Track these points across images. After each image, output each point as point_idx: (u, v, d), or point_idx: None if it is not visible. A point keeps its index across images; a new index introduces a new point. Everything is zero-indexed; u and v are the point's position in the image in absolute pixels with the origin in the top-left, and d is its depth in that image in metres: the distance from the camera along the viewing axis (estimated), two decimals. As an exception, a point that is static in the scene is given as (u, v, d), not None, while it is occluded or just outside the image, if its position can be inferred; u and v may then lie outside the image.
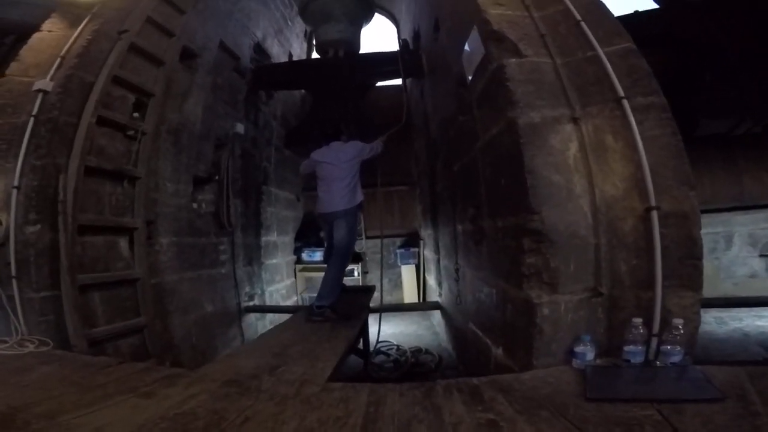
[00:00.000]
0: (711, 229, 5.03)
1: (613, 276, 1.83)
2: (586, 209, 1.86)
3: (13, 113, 2.73)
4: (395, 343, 4.38)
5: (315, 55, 6.33)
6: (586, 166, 1.89)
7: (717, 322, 4.02)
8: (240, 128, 4.54)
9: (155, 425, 1.30)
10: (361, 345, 3.56)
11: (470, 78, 2.50)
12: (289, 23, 6.35)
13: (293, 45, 6.58)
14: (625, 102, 1.86)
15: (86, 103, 2.75)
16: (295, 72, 5.55)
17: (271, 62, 5.50)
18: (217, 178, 4.23)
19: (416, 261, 6.54)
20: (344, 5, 5.03)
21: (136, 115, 3.14)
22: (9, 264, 2.47)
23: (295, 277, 6.57)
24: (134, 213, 3.11)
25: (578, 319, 1.82)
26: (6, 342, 2.31)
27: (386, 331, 4.45)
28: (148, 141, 3.17)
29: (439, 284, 4.72)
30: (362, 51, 5.56)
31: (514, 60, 2.03)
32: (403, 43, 5.06)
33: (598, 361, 1.74)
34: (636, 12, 4.12)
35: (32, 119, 2.62)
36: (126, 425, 1.30)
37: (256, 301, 5.00)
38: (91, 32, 2.94)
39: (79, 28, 2.98)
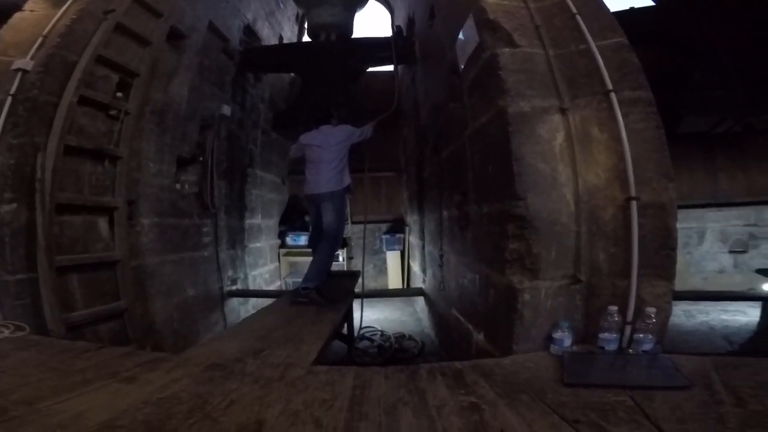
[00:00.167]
0: (686, 224, 5.20)
1: (592, 264, 1.88)
2: (569, 197, 1.90)
3: (-11, 92, 2.62)
4: (379, 328, 4.42)
5: (306, 38, 6.19)
6: (571, 156, 1.92)
7: (685, 315, 4.17)
8: (226, 110, 4.44)
9: (138, 410, 1.29)
10: (345, 330, 3.59)
11: (463, 66, 2.49)
12: (281, 6, 6.19)
13: (284, 28, 6.43)
14: (613, 95, 1.89)
15: (68, 82, 2.68)
16: (285, 55, 5.43)
17: (261, 44, 5.36)
18: (201, 159, 4.14)
19: (401, 247, 6.58)
20: (339, -12, 4.93)
21: (119, 94, 3.06)
22: (-17, 244, 2.38)
23: (279, 262, 6.54)
24: (115, 193, 3.05)
25: (557, 305, 1.87)
26: (-21, 327, 2.23)
27: (370, 316, 4.50)
28: (131, 121, 3.10)
29: (424, 270, 4.77)
30: (354, 36, 5.46)
31: (507, 50, 2.03)
32: (396, 29, 4.99)
33: (575, 348, 1.80)
34: (632, 8, 4.15)
35: (10, 98, 2.52)
36: (107, 410, 1.27)
37: (239, 286, 4.97)
38: (76, 12, 2.87)
39: (63, 8, 2.90)
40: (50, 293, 2.42)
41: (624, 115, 1.87)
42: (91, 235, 2.89)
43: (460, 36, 2.47)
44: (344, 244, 6.37)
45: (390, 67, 5.32)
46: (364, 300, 4.02)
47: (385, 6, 6.48)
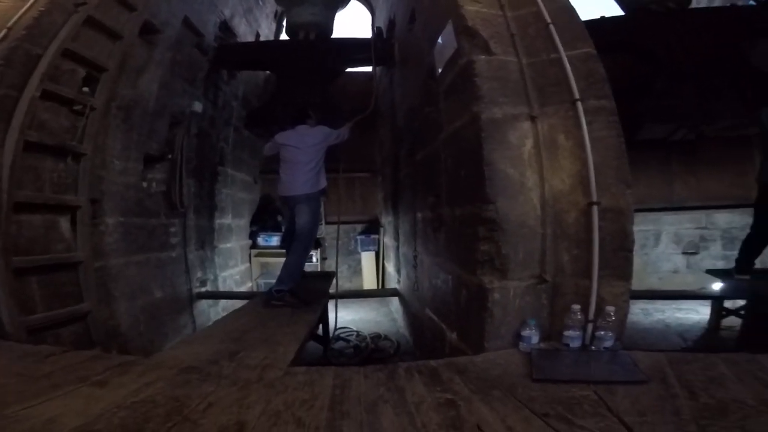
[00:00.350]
0: (643, 226, 5.51)
1: (557, 264, 1.97)
2: (535, 201, 1.99)
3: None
4: (355, 329, 4.43)
5: (284, 36, 6.12)
6: (539, 162, 2.01)
7: (643, 313, 4.40)
8: (198, 107, 4.32)
9: (113, 414, 1.26)
10: (320, 331, 3.58)
11: (440, 70, 2.55)
12: (260, 2, 6.09)
13: (261, 25, 6.32)
14: (579, 104, 1.99)
15: (31, 76, 2.57)
16: (262, 52, 5.35)
17: (236, 41, 5.26)
18: (170, 156, 4.02)
19: (376, 248, 6.61)
20: (321, -12, 4.92)
21: (86, 89, 2.95)
22: (-67, 244, 2.24)
23: (250, 262, 6.41)
24: (78, 191, 2.92)
25: (525, 304, 1.95)
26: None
27: (345, 317, 4.50)
28: (97, 116, 2.99)
29: (398, 271, 4.82)
30: (334, 36, 5.45)
31: (483, 57, 2.10)
32: (377, 30, 5.01)
33: (542, 345, 1.89)
34: (602, 17, 4.34)
35: (-34, 92, 2.39)
36: (81, 416, 1.24)
37: (209, 287, 4.85)
38: (45, 4, 2.75)
39: (32, 0, 2.77)
40: (8, 296, 2.31)
41: (588, 124, 1.97)
42: (52, 235, 2.77)
43: (439, 41, 2.52)
44: (318, 244, 6.33)
45: (368, 68, 5.35)
46: (339, 301, 4.02)
47: (366, 6, 6.49)
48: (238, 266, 5.96)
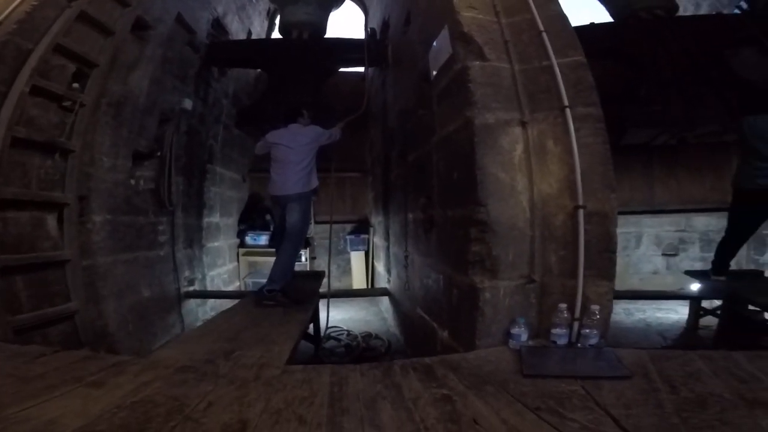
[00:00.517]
0: (625, 229, 5.66)
1: (545, 265, 2.05)
2: (525, 204, 2.07)
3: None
4: (345, 328, 4.46)
5: (275, 35, 6.10)
6: (528, 167, 2.09)
7: (625, 313, 4.54)
8: (188, 104, 4.29)
9: (113, 415, 1.25)
10: (311, 330, 3.60)
11: (434, 74, 2.59)
12: (253, 0, 6.06)
13: (254, 23, 6.30)
14: (568, 111, 2.06)
15: (20, 71, 2.54)
16: (255, 50, 5.33)
17: (228, 39, 5.23)
18: (159, 154, 3.98)
19: (366, 247, 6.64)
20: (316, -13, 4.93)
21: (75, 85, 2.91)
22: None
23: (238, 262, 6.38)
24: (65, 188, 2.89)
25: (514, 303, 2.02)
26: None
27: (336, 316, 4.52)
28: (86, 113, 2.96)
29: (388, 271, 4.86)
30: (328, 36, 5.46)
31: (477, 63, 2.15)
32: (371, 31, 5.03)
33: (531, 342, 1.95)
34: (592, 24, 4.45)
35: (-45, 86, 2.34)
36: (81, 416, 1.23)
37: (197, 286, 4.82)
38: None
39: (24, -6, 2.73)
40: None
41: (576, 130, 2.04)
42: (39, 233, 2.73)
43: (434, 45, 2.56)
44: (307, 244, 6.33)
45: (360, 68, 5.38)
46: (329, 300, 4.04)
47: (360, 6, 6.50)
48: (226, 265, 5.92)
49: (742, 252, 4.43)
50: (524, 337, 1.93)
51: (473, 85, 2.09)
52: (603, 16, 5.09)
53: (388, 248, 4.85)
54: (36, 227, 2.71)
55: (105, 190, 3.27)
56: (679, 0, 4.79)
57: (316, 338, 3.69)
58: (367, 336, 4.21)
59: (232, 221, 6.27)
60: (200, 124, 4.89)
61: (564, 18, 2.39)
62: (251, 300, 3.40)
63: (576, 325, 1.93)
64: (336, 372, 1.64)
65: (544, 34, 2.24)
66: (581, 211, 1.97)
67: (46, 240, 2.75)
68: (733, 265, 3.63)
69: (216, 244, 5.57)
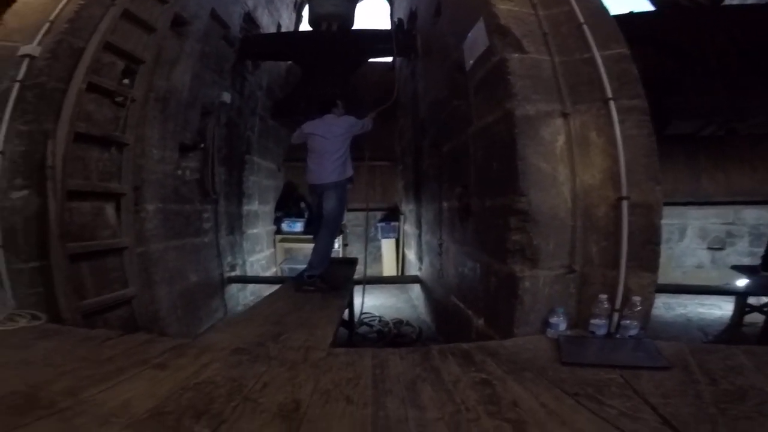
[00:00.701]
0: (668, 221, 5.42)
1: (585, 255, 2.05)
2: (566, 195, 2.06)
3: (-6, 78, 2.61)
4: (377, 314, 4.57)
5: (303, 27, 6.18)
6: (570, 158, 2.07)
7: (665, 307, 4.41)
8: (226, 97, 4.46)
9: (180, 396, 1.33)
10: (346, 316, 3.72)
11: (470, 65, 2.58)
12: None
13: (282, 15, 6.40)
14: (612, 103, 2.03)
15: (75, 68, 2.67)
16: (286, 43, 5.43)
17: (260, 32, 5.35)
18: (202, 146, 4.18)
19: (396, 235, 6.71)
20: (344, -21, 4.96)
21: (125, 81, 3.07)
22: (-5, 233, 2.38)
23: (275, 248, 6.62)
24: (121, 179, 3.07)
25: (553, 293, 2.04)
26: (-6, 317, 2.20)
27: (367, 303, 4.62)
28: (137, 108, 3.12)
29: (420, 259, 4.92)
30: (355, 27, 5.49)
31: (516, 55, 2.14)
32: (398, 21, 5.03)
33: (569, 332, 1.97)
34: (631, 12, 4.29)
35: (18, 84, 2.52)
36: (151, 397, 1.31)
37: (238, 272, 5.05)
38: None
39: (69, -7, 2.87)
40: (64, 281, 2.44)
41: (620, 122, 2.02)
42: (99, 221, 2.92)
43: (469, 36, 2.55)
44: (340, 231, 6.47)
45: (387, 58, 5.38)
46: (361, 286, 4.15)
47: (385, -2, 6.47)
48: (263, 251, 6.16)
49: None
50: (562, 326, 1.95)
51: (512, 77, 2.09)
52: (643, 5, 4.85)
53: (420, 236, 4.90)
54: (96, 216, 2.90)
55: (156, 180, 3.48)
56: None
57: (350, 323, 3.82)
58: (398, 322, 4.30)
59: (269, 209, 6.50)
60: (238, 116, 5.06)
61: (604, 10, 2.34)
62: (291, 285, 3.55)
63: (616, 316, 1.94)
64: (376, 355, 1.72)
65: (585, 26, 2.20)
66: (625, 203, 1.96)
67: (105, 228, 2.95)
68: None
69: (255, 230, 5.80)
